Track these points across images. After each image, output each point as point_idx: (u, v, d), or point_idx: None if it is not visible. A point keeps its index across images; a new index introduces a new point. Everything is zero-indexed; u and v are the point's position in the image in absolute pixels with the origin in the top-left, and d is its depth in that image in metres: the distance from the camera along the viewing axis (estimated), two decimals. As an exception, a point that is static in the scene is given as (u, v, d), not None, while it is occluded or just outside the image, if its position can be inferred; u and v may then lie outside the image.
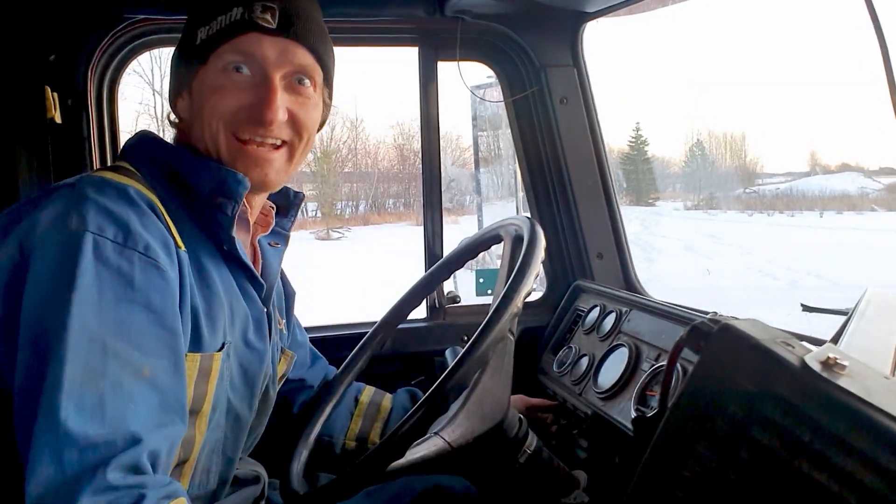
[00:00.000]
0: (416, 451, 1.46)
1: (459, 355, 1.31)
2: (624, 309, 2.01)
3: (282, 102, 1.30)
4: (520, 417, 1.65)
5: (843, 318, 1.26)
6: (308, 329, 2.34)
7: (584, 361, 2.02)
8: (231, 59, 1.28)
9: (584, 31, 2.27)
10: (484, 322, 1.33)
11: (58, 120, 1.92)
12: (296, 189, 1.55)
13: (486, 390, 1.54)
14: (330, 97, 1.45)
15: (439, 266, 1.90)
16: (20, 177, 1.88)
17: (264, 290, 1.42)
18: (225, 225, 1.29)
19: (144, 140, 1.34)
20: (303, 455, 1.66)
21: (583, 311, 2.21)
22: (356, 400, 1.84)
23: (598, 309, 2.13)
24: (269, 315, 1.44)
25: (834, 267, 13.60)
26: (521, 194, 2.89)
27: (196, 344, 1.22)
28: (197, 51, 1.29)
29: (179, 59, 1.35)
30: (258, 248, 1.47)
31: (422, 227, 2.41)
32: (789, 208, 23.12)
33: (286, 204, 1.54)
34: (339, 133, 25.89)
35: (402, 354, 2.24)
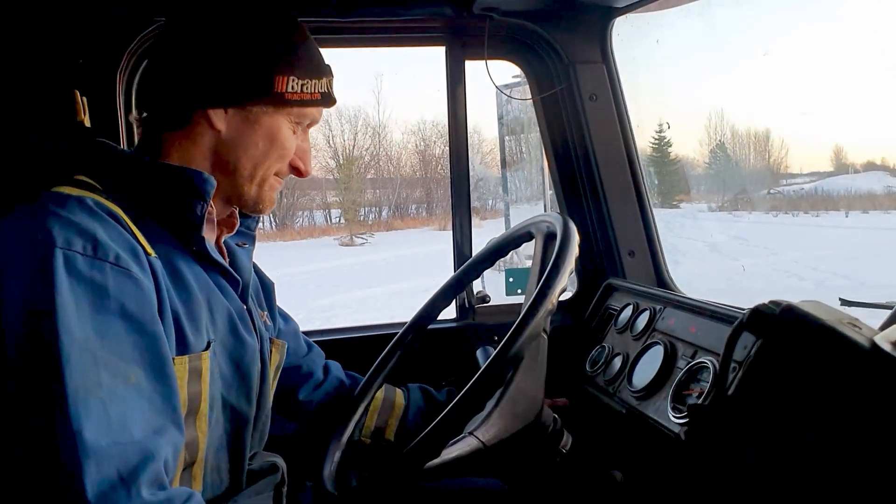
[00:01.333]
0: (451, 451, 1.45)
1: (494, 353, 1.29)
2: (658, 307, 1.98)
3: None
4: (554, 417, 1.63)
5: (884, 312, 1.24)
6: (337, 330, 2.35)
7: (618, 360, 1.99)
8: (304, 122, 1.40)
9: (612, 26, 2.25)
10: (519, 319, 1.32)
11: (87, 123, 1.93)
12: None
13: (519, 389, 1.52)
14: None
15: (469, 265, 1.89)
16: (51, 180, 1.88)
17: (240, 285, 1.44)
18: (194, 225, 1.30)
19: (101, 151, 1.34)
20: (335, 456, 1.65)
21: (615, 310, 2.18)
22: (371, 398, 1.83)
23: (630, 307, 2.10)
24: (249, 310, 1.46)
25: (861, 266, 13.44)
26: (550, 193, 2.88)
27: (182, 347, 1.24)
28: (274, 96, 1.33)
29: (252, 72, 1.33)
30: (224, 249, 1.49)
31: (444, 232, 2.40)
32: (814, 208, 22.88)
33: None
34: (360, 140, 26.02)
35: (432, 355, 2.22)
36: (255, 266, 1.61)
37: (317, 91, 1.37)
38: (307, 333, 2.27)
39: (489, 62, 2.26)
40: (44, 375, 1.02)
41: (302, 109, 1.37)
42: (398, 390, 1.88)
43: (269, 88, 1.32)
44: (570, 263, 1.42)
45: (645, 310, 2.02)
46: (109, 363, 1.06)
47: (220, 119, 1.32)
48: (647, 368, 1.85)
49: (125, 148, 1.39)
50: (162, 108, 1.34)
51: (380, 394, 1.84)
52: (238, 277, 1.44)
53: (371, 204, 25.83)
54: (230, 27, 1.32)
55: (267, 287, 1.68)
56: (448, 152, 2.35)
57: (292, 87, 1.34)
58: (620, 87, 2.29)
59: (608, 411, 1.91)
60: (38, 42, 1.87)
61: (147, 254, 1.20)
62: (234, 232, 1.50)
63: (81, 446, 0.99)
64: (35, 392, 1.02)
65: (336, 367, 1.88)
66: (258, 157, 1.35)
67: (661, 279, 2.34)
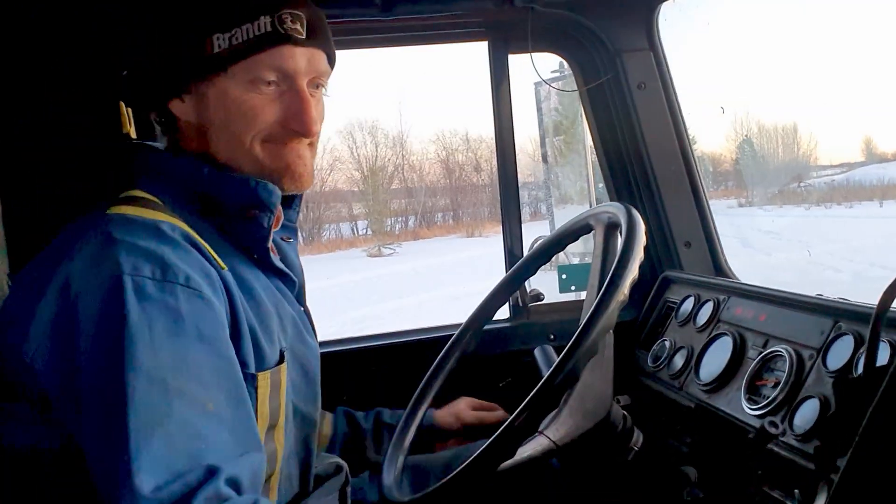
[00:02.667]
0: (523, 451, 1.41)
1: (567, 347, 1.25)
2: (721, 297, 1.93)
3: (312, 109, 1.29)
4: (623, 414, 1.59)
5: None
6: (391, 335, 2.32)
7: (682, 354, 1.94)
8: (263, 74, 1.24)
9: (659, 12, 2.20)
10: (590, 311, 1.27)
11: (133, 135, 1.91)
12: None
13: (587, 385, 1.49)
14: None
15: (524, 262, 1.85)
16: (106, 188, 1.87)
17: (296, 287, 1.40)
18: (262, 237, 1.27)
19: (156, 159, 1.30)
20: (398, 460, 1.62)
21: (675, 303, 2.12)
22: None
23: (692, 299, 2.04)
24: (306, 311, 1.43)
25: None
26: (594, 190, 2.83)
27: (261, 361, 1.20)
28: (214, 59, 1.23)
29: (174, 58, 1.26)
30: (275, 249, 1.42)
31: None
32: (847, 199, 22.56)
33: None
34: (382, 151, 26.12)
35: (488, 355, 2.19)
36: None
37: (252, 36, 1.22)
38: (350, 341, 2.25)
39: (526, 56, 2.22)
40: (110, 409, 0.99)
41: (245, 63, 1.23)
42: (327, 416, 1.80)
43: (198, 59, 1.22)
44: (640, 252, 1.38)
45: (707, 300, 1.97)
46: (184, 390, 1.03)
47: (180, 108, 1.27)
48: (715, 360, 1.80)
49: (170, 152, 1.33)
50: (140, 106, 1.35)
51: None
52: (295, 279, 1.40)
53: (397, 213, 25.92)
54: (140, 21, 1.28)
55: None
56: (494, 153, 2.31)
57: (219, 45, 1.21)
58: (670, 73, 2.24)
59: (676, 407, 1.87)
60: (83, 55, 1.85)
61: (220, 267, 1.17)
62: (280, 226, 1.43)
63: (139, 493, 0.95)
64: (100, 426, 1.00)
65: None
66: (235, 134, 1.26)
67: (720, 269, 2.28)
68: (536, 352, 1.88)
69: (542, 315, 2.33)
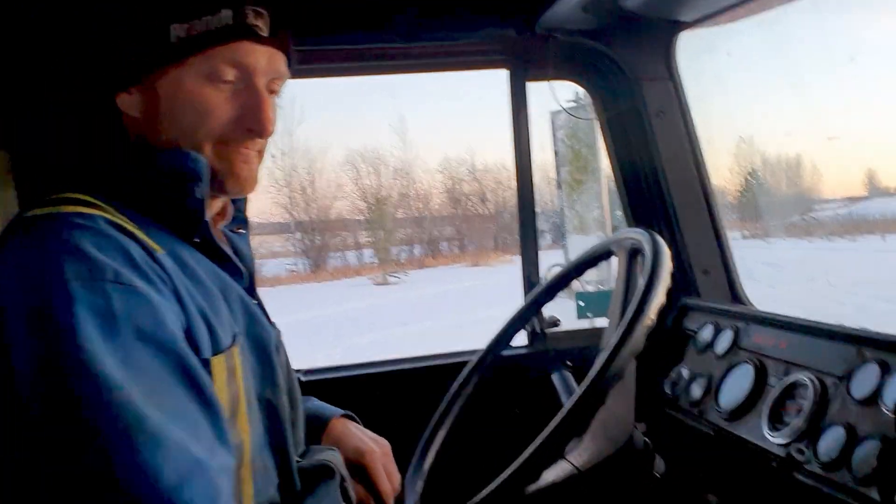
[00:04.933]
0: (546, 476, 1.41)
1: (597, 370, 1.25)
2: (740, 324, 1.93)
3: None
4: (645, 440, 1.58)
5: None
6: (399, 361, 2.32)
7: (701, 381, 1.93)
8: (220, 69, 1.18)
9: (677, 41, 2.22)
10: (619, 335, 1.28)
11: None
12: None
13: (609, 411, 1.48)
14: None
15: (544, 289, 1.86)
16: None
17: (245, 276, 1.33)
18: (196, 210, 1.19)
19: (82, 154, 1.24)
20: (418, 486, 1.61)
21: (693, 331, 2.12)
22: None
23: (711, 326, 2.04)
24: (260, 304, 1.36)
25: (900, 290, 13.20)
26: (609, 218, 2.84)
27: (216, 344, 1.14)
28: (171, 49, 1.16)
29: (129, 47, 1.20)
30: (226, 239, 1.37)
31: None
32: (850, 233, 22.57)
33: None
34: (385, 180, 26.20)
35: (505, 381, 2.19)
36: None
37: (213, 27, 1.16)
38: (357, 367, 2.25)
39: (543, 84, 2.25)
40: (69, 424, 0.93)
41: (202, 56, 1.16)
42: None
43: (151, 46, 1.16)
44: (667, 278, 1.38)
45: (726, 328, 1.97)
46: (134, 395, 0.95)
47: (127, 103, 1.20)
48: (736, 388, 1.80)
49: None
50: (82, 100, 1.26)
51: None
52: (242, 268, 1.33)
53: (402, 242, 25.93)
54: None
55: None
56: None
57: (175, 35, 1.15)
58: (686, 102, 2.26)
59: (695, 434, 1.86)
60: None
61: (154, 250, 1.10)
62: (230, 219, 1.38)
63: (154, 492, 0.91)
64: (60, 439, 0.94)
65: None
66: (186, 129, 1.19)
67: (737, 297, 2.28)
68: (554, 377, 1.88)
69: (558, 341, 2.33)
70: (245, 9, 1.18)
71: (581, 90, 2.42)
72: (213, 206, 1.31)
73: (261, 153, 1.30)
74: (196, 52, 1.16)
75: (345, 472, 1.45)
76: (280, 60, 1.26)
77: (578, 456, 1.47)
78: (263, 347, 1.29)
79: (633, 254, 1.60)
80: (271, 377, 1.31)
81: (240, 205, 1.41)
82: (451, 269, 22.02)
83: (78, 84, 1.28)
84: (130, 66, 1.19)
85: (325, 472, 1.41)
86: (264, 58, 1.22)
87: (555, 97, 2.22)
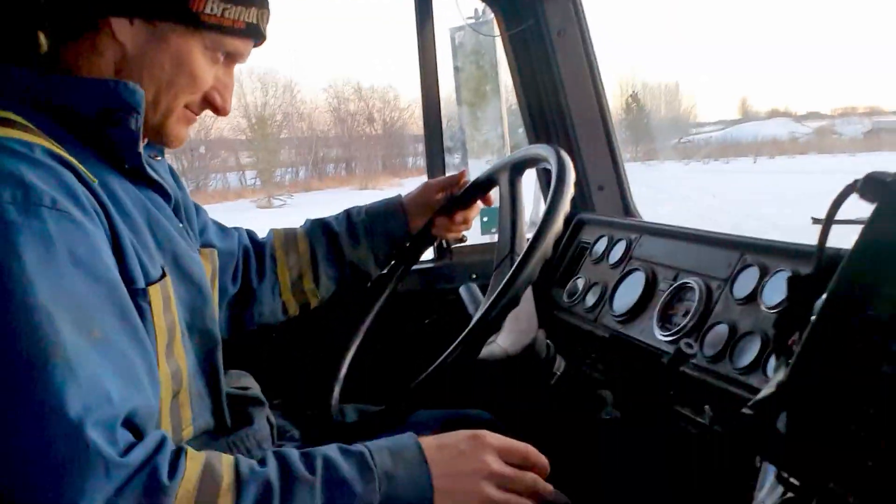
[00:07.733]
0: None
1: (509, 274, 1.32)
2: (633, 236, 2.04)
3: None
4: (547, 343, 1.68)
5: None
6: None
7: (596, 290, 2.04)
8: (219, 51, 1.24)
9: (579, -41, 2.26)
10: (532, 238, 1.34)
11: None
12: None
13: (516, 313, 1.56)
14: None
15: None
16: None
17: (172, 201, 1.36)
18: (132, 141, 1.19)
19: (18, 75, 1.18)
20: (335, 391, 1.68)
21: (588, 244, 2.23)
22: (273, 257, 1.80)
23: (605, 239, 2.15)
24: (187, 229, 1.40)
25: (770, 208, 13.96)
26: (507, 136, 2.90)
27: (147, 275, 1.16)
28: (188, 15, 1.18)
29: None
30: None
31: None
32: (724, 155, 23.58)
33: None
34: (271, 99, 25.46)
35: (414, 294, 2.25)
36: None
37: (241, 19, 1.21)
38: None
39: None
40: None
41: (220, 37, 1.21)
42: (299, 232, 1.84)
43: (182, 4, 1.17)
44: (571, 188, 1.46)
45: (620, 240, 2.08)
46: (67, 318, 0.96)
47: (124, 31, 1.17)
48: (629, 294, 1.91)
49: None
50: (62, 14, 1.19)
51: (279, 244, 1.82)
52: (170, 192, 1.35)
53: (287, 164, 25.37)
54: None
55: (188, 206, 1.54)
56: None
57: (211, 9, 1.18)
58: (587, 21, 2.31)
59: (591, 337, 1.98)
60: None
61: (90, 181, 1.10)
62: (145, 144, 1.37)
63: (59, 419, 0.92)
64: None
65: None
66: (162, 82, 1.20)
67: (629, 212, 2.39)
68: (462, 290, 1.95)
69: (464, 256, 2.40)
70: (265, 12, 1.26)
71: (482, 6, 2.44)
72: None
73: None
74: (214, 31, 1.20)
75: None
76: None
77: (490, 354, 1.55)
78: (193, 276, 1.32)
79: (519, 170, 1.68)
80: (205, 305, 1.35)
81: None
82: (338, 191, 21.75)
83: None
84: (158, 2, 1.18)
85: (253, 401, 1.48)
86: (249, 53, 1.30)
87: (459, 13, 2.23)
